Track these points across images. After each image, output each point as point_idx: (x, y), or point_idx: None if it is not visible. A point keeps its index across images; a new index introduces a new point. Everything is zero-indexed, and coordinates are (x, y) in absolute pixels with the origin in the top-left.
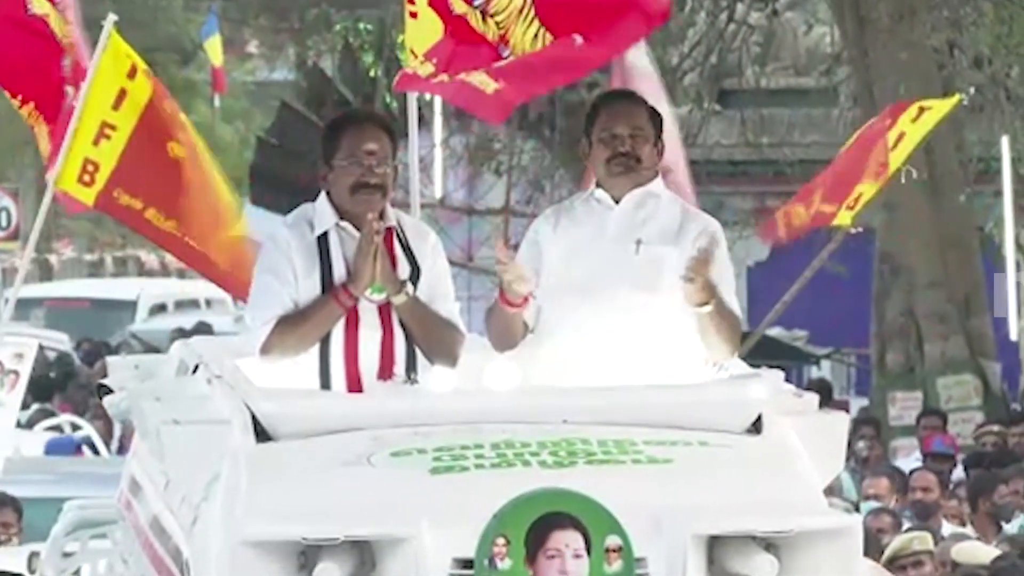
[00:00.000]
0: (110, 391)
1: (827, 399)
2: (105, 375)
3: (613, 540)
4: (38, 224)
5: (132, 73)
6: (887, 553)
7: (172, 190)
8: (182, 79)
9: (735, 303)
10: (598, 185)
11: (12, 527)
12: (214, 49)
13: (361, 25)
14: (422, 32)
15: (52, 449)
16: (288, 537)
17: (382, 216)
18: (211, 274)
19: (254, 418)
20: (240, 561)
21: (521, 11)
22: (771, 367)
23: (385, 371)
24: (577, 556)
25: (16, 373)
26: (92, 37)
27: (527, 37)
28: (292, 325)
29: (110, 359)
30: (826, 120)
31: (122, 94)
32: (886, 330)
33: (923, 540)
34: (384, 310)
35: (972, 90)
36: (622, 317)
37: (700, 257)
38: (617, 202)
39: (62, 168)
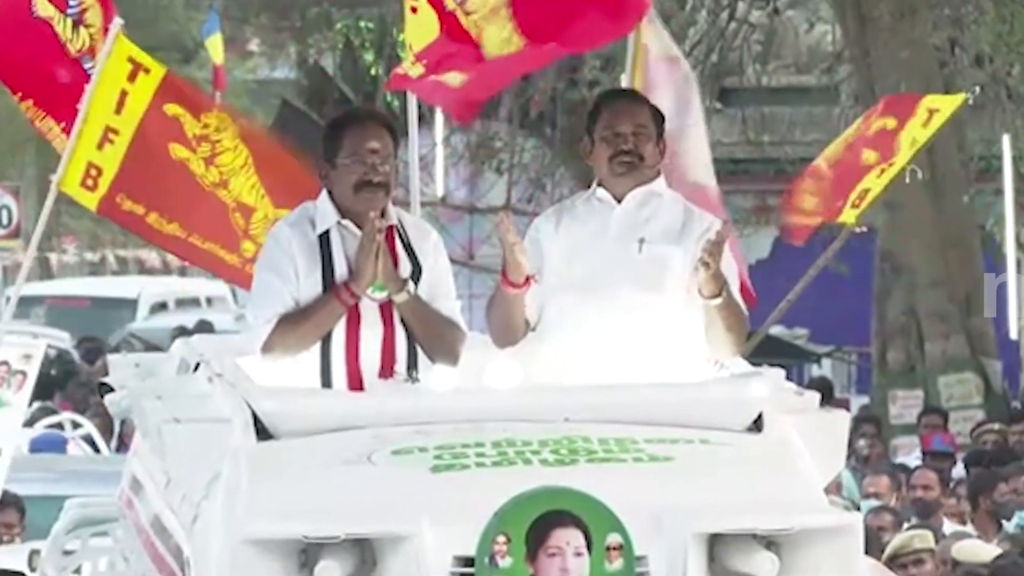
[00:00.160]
0: (111, 389)
1: (828, 397)
2: (106, 373)
3: (614, 538)
4: (41, 224)
5: (133, 76)
6: (888, 551)
7: (172, 191)
8: (183, 77)
9: (740, 300)
10: (600, 184)
11: (15, 527)
12: (215, 47)
13: (362, 23)
14: (420, 29)
15: (37, 446)
16: (289, 535)
17: (383, 214)
18: (221, 271)
19: (255, 416)
20: (241, 559)
21: (496, 11)
22: (772, 365)
23: (386, 369)
24: (578, 554)
25: (23, 374)
26: None
27: (500, 38)
28: (293, 323)
29: (111, 357)
30: (827, 118)
31: (123, 98)
32: (887, 328)
33: (924, 538)
34: (385, 308)
35: (977, 89)
36: (624, 316)
37: (711, 247)
38: (619, 201)
39: (65, 170)
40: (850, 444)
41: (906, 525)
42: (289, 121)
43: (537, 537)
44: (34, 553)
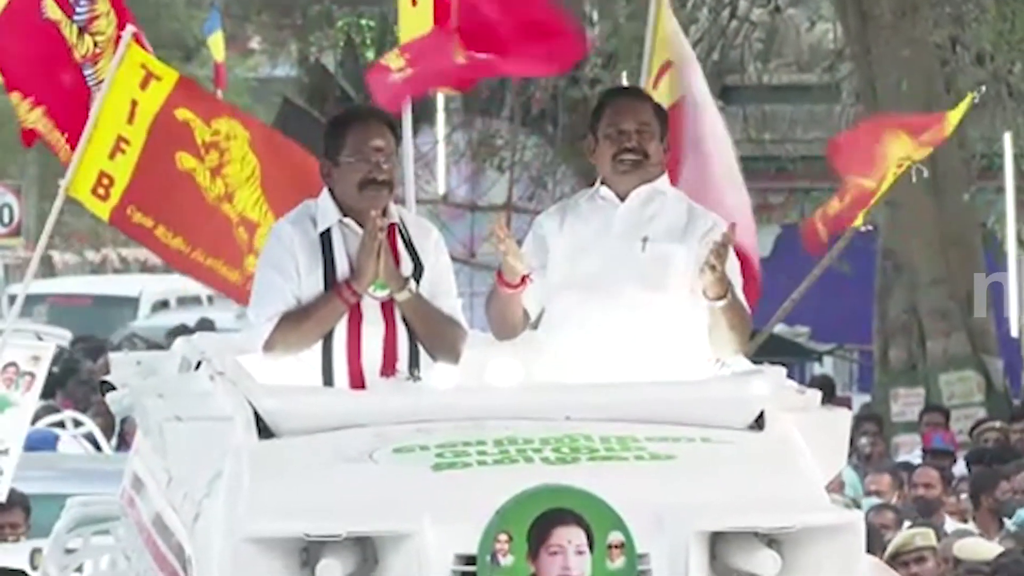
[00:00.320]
0: (112, 387)
1: (829, 395)
2: (107, 371)
3: (615, 536)
4: (48, 227)
5: (144, 84)
6: (890, 549)
7: (179, 204)
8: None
9: (744, 301)
10: (603, 182)
11: (20, 527)
12: (216, 45)
13: (363, 21)
14: (414, 22)
15: (29, 444)
16: (290, 534)
17: (385, 213)
18: (223, 288)
19: (256, 415)
20: (242, 558)
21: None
22: (773, 363)
23: (388, 367)
24: (579, 552)
25: (32, 375)
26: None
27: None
28: (295, 322)
29: (112, 355)
30: (828, 116)
31: (134, 107)
32: (889, 327)
33: (926, 536)
34: (387, 307)
35: (983, 88)
36: (627, 314)
37: (718, 249)
38: (623, 199)
39: (75, 176)
40: (852, 442)
41: (908, 523)
42: (290, 119)
43: (539, 535)
44: (36, 551)
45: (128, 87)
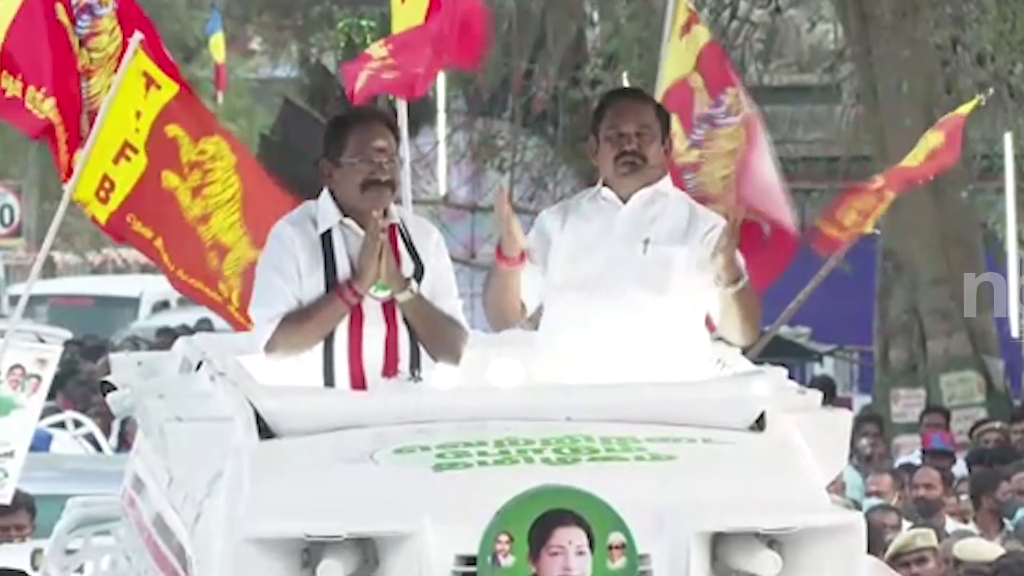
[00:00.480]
0: (113, 388)
1: (830, 396)
2: (107, 372)
3: (616, 537)
4: (52, 231)
5: (146, 91)
6: (890, 550)
7: (168, 222)
8: (185, 76)
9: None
10: (605, 183)
11: (25, 528)
12: (217, 46)
13: (363, 22)
14: (404, 16)
15: None
16: (291, 534)
17: (386, 213)
18: (211, 306)
19: (257, 415)
20: (243, 558)
21: None
22: (774, 364)
23: (389, 368)
24: (580, 553)
25: (38, 378)
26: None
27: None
28: (296, 323)
29: (113, 356)
30: (829, 117)
31: (139, 115)
32: (889, 327)
33: (927, 537)
34: (388, 307)
35: (990, 91)
36: (628, 316)
37: (728, 230)
38: (624, 201)
39: (80, 179)
40: (852, 443)
41: (909, 524)
42: (291, 120)
43: (539, 536)
44: (37, 552)
45: (134, 93)
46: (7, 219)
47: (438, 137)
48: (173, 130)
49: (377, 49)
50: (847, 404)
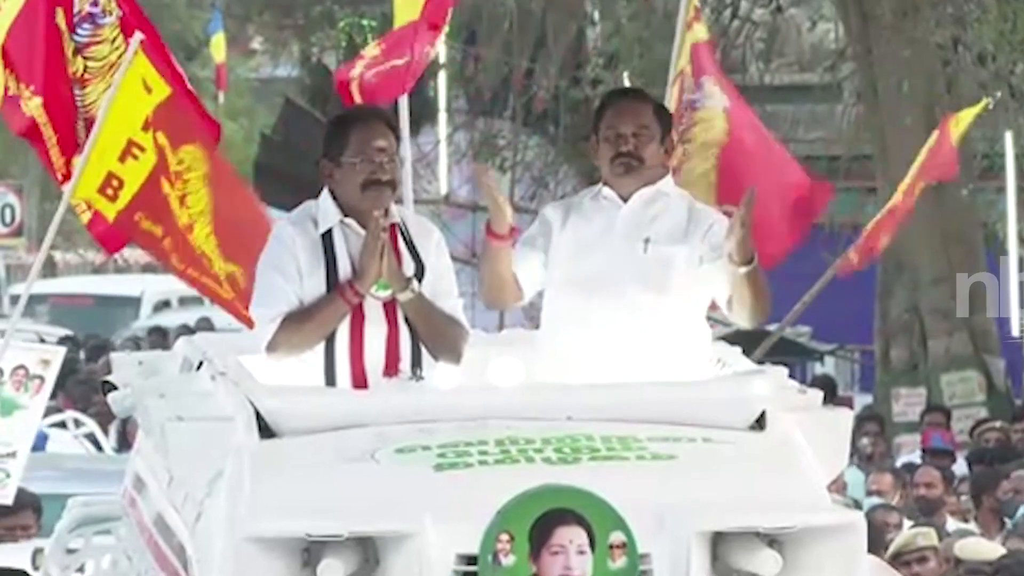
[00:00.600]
0: (114, 387)
1: (831, 395)
2: (108, 371)
3: (617, 536)
4: (51, 232)
5: (143, 94)
6: (891, 549)
7: (170, 222)
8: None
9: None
10: (605, 183)
11: (31, 528)
12: (218, 46)
13: (364, 21)
14: (404, 12)
15: None
16: (292, 534)
17: (387, 213)
18: (219, 301)
19: (258, 415)
20: (244, 557)
21: None
22: (775, 363)
23: (390, 368)
24: (581, 552)
25: (41, 379)
26: None
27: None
28: (298, 322)
29: (114, 355)
30: (830, 116)
31: (146, 116)
32: (890, 326)
33: (927, 536)
34: (389, 307)
35: (998, 94)
36: (628, 315)
37: (743, 208)
38: (624, 200)
39: (80, 180)
40: (853, 442)
41: (909, 523)
42: (292, 119)
43: (540, 535)
44: (37, 551)
45: (135, 93)
46: (8, 219)
47: (439, 136)
48: (161, 139)
49: (371, 49)
50: (848, 403)
